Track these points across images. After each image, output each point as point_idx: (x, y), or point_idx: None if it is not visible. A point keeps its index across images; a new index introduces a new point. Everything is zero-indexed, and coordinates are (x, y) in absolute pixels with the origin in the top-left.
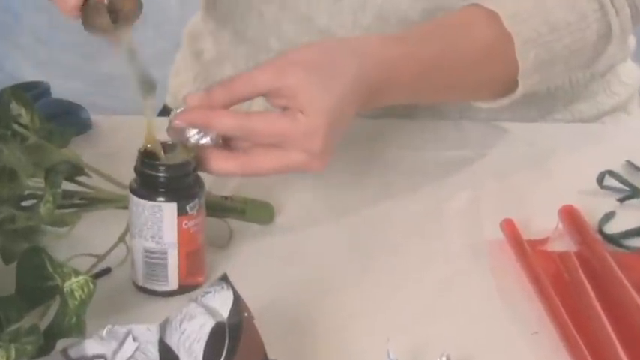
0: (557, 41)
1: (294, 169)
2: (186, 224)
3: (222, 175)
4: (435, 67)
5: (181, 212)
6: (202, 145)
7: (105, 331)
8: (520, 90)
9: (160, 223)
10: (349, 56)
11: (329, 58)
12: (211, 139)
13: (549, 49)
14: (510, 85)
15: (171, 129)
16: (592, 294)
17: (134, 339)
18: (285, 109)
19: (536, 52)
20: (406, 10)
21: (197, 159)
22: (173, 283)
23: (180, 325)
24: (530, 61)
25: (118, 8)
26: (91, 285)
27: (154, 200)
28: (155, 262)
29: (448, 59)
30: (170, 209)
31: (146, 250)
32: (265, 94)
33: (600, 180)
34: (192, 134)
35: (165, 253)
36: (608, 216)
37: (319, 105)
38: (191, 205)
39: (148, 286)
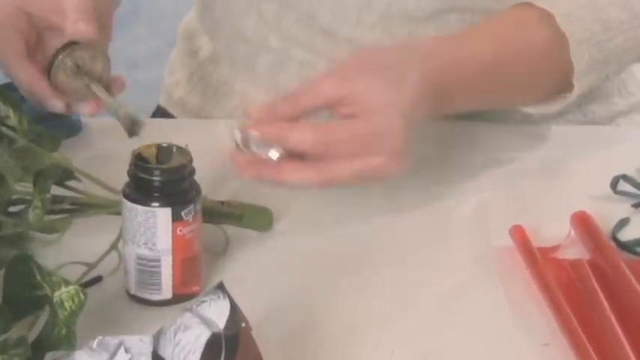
0: (610, 40)
1: (373, 173)
2: (181, 230)
3: (298, 187)
4: (495, 65)
5: (176, 218)
6: (270, 158)
7: (95, 343)
8: (576, 91)
9: (154, 229)
10: (411, 58)
11: (392, 61)
12: (277, 150)
13: (603, 48)
14: (563, 87)
15: (236, 143)
16: (605, 304)
17: (126, 351)
18: (352, 116)
19: (590, 51)
20: (414, 10)
21: (263, 171)
22: (167, 292)
23: (174, 336)
24: (585, 61)
25: (86, 70)
26: (82, 295)
27: (148, 205)
28: (148, 269)
29: (506, 58)
30: (164, 215)
31: (139, 258)
32: (331, 104)
33: (614, 184)
34: (259, 148)
35: (159, 260)
36: (623, 222)
37: (393, 106)
38: (186, 210)
39: (141, 295)
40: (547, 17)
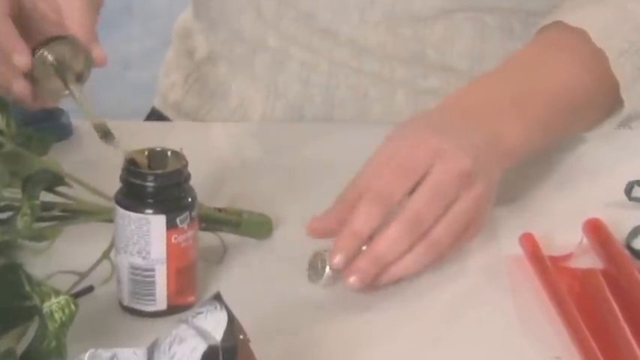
0: None
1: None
2: (176, 239)
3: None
4: (553, 107)
5: (171, 225)
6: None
7: (87, 356)
8: (627, 106)
9: (148, 237)
10: (495, 159)
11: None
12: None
13: None
14: (615, 105)
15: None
16: (619, 315)
17: None
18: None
19: (632, 61)
20: (420, 9)
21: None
22: (161, 303)
23: (169, 348)
24: (629, 72)
25: (66, 67)
26: (73, 306)
27: (141, 212)
28: (142, 279)
29: (562, 97)
30: (158, 222)
31: (132, 267)
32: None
33: (628, 191)
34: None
35: (153, 270)
36: (637, 230)
37: (482, 170)
38: (181, 217)
39: (135, 306)
40: (582, 36)
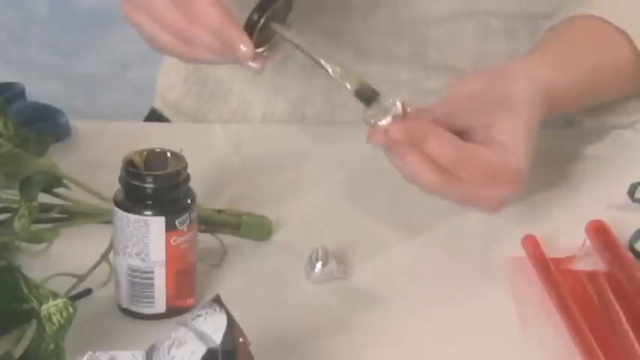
0: None
1: (486, 204)
2: (175, 240)
3: (410, 178)
4: (589, 90)
5: (170, 227)
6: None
7: (85, 358)
8: None
9: (146, 239)
10: (537, 99)
11: (526, 98)
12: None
13: None
14: None
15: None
16: (623, 318)
17: None
18: (486, 144)
19: None
20: (424, 13)
21: (393, 143)
22: (160, 306)
23: (168, 351)
24: None
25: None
26: (71, 309)
27: (140, 214)
28: (140, 282)
29: (598, 83)
30: (157, 224)
31: (131, 269)
32: (468, 126)
33: (632, 192)
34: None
35: (152, 272)
36: None
37: (527, 154)
38: (181, 219)
39: (133, 308)
40: (622, 37)
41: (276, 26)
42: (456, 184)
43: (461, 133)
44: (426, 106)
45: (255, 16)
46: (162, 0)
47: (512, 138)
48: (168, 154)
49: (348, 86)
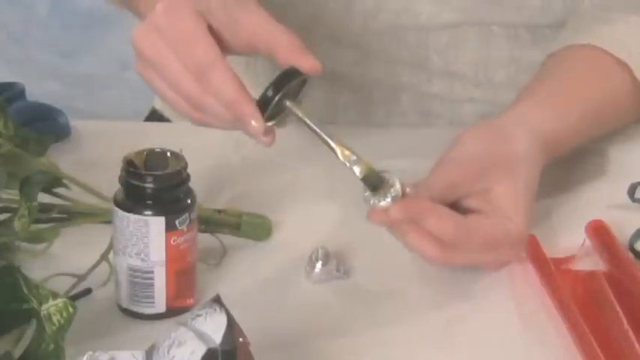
0: None
1: (490, 265)
2: (175, 240)
3: (413, 250)
4: (587, 128)
5: (170, 227)
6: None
7: (85, 358)
8: None
9: (146, 239)
10: (535, 153)
11: (522, 156)
12: (395, 195)
13: None
14: None
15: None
16: (623, 317)
17: None
18: (481, 212)
19: None
20: (426, 21)
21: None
22: (160, 306)
23: (168, 351)
24: None
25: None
26: (71, 309)
27: (140, 214)
28: (140, 281)
29: (596, 120)
30: (157, 224)
31: (130, 269)
32: (462, 194)
33: (632, 192)
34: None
35: (152, 272)
36: None
37: (525, 215)
38: (181, 219)
39: (133, 308)
40: (622, 68)
41: (289, 104)
42: (457, 256)
43: (460, 199)
44: (423, 182)
45: (270, 93)
46: (176, 65)
47: (511, 203)
48: (168, 154)
49: (357, 172)
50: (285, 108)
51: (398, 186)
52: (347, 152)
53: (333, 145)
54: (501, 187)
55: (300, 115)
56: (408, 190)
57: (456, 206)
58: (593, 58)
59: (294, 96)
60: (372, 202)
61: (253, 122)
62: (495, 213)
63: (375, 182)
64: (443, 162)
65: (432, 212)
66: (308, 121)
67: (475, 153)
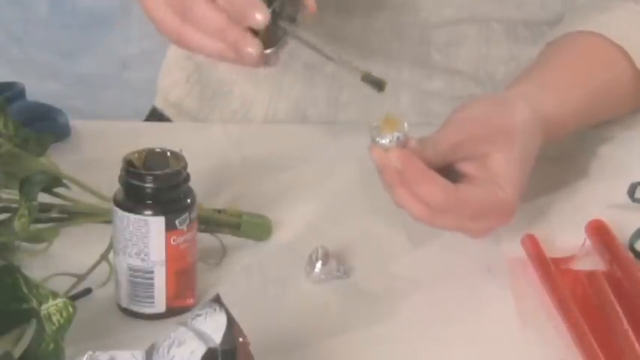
0: None
1: (476, 233)
2: (175, 240)
3: (402, 207)
4: (587, 112)
5: (170, 227)
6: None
7: (85, 358)
8: None
9: (146, 238)
10: (537, 132)
11: (525, 129)
12: (399, 139)
13: None
14: None
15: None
16: (623, 317)
17: None
18: (475, 178)
19: None
20: (427, 18)
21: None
22: (160, 305)
23: (168, 351)
24: None
25: (284, 14)
26: (71, 309)
27: (140, 213)
28: (140, 281)
29: (598, 107)
30: (157, 224)
31: (130, 269)
32: (460, 158)
33: (631, 192)
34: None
35: (152, 272)
36: None
37: (519, 187)
38: (181, 219)
39: (133, 308)
40: (623, 54)
41: (284, 25)
42: (443, 219)
43: (457, 162)
44: (430, 138)
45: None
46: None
47: (506, 171)
48: (168, 153)
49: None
50: (282, 32)
51: (405, 129)
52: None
53: (338, 62)
54: (500, 155)
55: (298, 35)
56: (413, 143)
57: (449, 170)
58: (593, 44)
59: (292, 20)
60: (375, 136)
61: (249, 49)
62: (489, 180)
63: (376, 80)
64: (450, 122)
65: (424, 178)
66: (306, 39)
67: (480, 118)
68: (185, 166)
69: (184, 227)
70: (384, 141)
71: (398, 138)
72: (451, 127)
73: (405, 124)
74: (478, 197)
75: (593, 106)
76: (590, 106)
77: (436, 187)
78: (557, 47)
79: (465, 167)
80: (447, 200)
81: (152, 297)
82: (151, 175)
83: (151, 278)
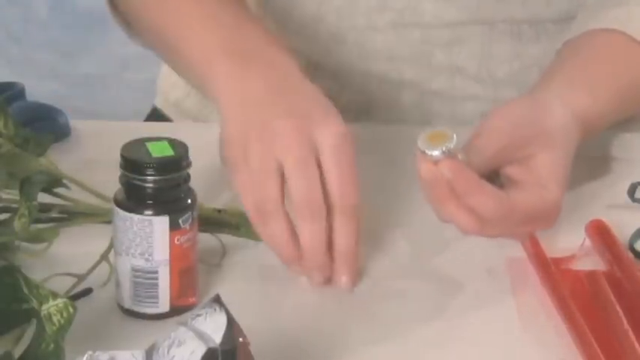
0: None
1: (523, 235)
2: (178, 239)
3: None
4: (618, 112)
5: (173, 226)
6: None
7: (85, 358)
8: None
9: (150, 238)
10: (577, 130)
11: (566, 127)
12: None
13: None
14: None
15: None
16: (623, 317)
17: None
18: (521, 183)
19: None
20: (430, 20)
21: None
22: (164, 305)
23: (168, 351)
24: None
25: None
26: (71, 309)
27: (143, 213)
28: (145, 282)
29: (628, 103)
30: (161, 223)
31: (134, 269)
32: (508, 161)
33: (632, 192)
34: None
35: (156, 272)
36: None
37: (563, 185)
38: (184, 218)
39: (136, 308)
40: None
41: None
42: (493, 228)
43: (501, 167)
44: (474, 146)
45: None
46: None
47: (550, 170)
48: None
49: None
50: None
51: (454, 140)
52: None
53: None
54: (543, 155)
55: None
56: (460, 156)
57: (495, 176)
58: (616, 43)
59: None
60: (425, 148)
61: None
62: (535, 183)
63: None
64: (490, 129)
65: (476, 189)
66: None
67: (519, 121)
68: (188, 165)
69: (187, 226)
70: (435, 153)
71: (449, 150)
72: (493, 134)
73: (454, 136)
74: (528, 203)
75: (622, 104)
76: (620, 104)
77: (488, 198)
78: (578, 46)
79: (510, 171)
80: (500, 210)
81: (156, 297)
82: (152, 175)
83: (155, 278)
